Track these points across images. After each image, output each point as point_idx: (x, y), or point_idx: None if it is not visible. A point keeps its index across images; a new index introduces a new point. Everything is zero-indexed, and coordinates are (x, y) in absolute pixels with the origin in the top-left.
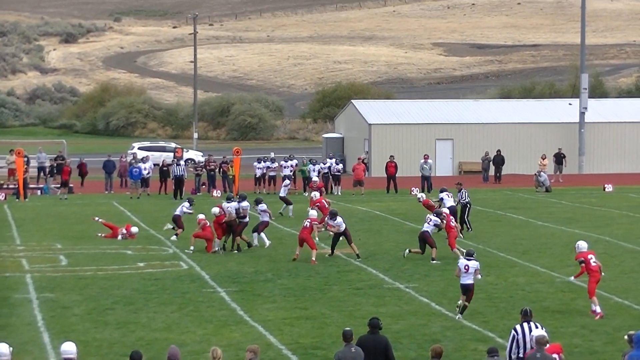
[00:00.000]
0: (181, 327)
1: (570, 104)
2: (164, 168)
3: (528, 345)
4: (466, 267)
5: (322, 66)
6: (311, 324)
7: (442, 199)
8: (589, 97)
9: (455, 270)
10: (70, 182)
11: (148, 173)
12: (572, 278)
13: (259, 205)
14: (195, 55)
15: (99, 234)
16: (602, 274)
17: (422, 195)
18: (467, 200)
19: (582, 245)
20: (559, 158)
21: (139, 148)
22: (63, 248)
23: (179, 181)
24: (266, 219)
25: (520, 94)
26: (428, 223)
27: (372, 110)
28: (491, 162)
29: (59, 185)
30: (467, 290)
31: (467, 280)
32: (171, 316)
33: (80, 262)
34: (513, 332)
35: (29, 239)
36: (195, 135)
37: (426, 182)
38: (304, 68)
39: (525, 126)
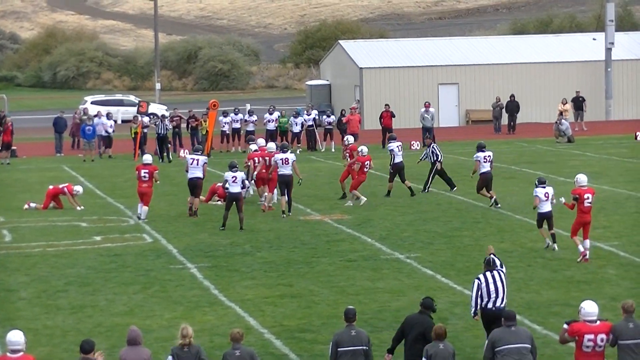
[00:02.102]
0: (146, 310)
1: (594, 39)
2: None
3: (492, 295)
4: (546, 195)
5: (303, 1)
6: (297, 303)
7: (391, 151)
8: (616, 30)
9: (535, 200)
10: (13, 143)
11: (113, 131)
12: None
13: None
14: None
15: (32, 205)
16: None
17: (348, 138)
18: (439, 157)
19: (582, 179)
20: (578, 103)
21: (92, 102)
22: (6, 221)
23: (162, 141)
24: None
25: (536, 28)
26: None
27: (363, 51)
28: (503, 110)
29: None
30: (549, 218)
31: (547, 207)
32: (134, 298)
33: (27, 237)
34: (477, 281)
35: None
36: (158, 86)
37: (428, 134)
38: (282, 4)
39: (543, 66)
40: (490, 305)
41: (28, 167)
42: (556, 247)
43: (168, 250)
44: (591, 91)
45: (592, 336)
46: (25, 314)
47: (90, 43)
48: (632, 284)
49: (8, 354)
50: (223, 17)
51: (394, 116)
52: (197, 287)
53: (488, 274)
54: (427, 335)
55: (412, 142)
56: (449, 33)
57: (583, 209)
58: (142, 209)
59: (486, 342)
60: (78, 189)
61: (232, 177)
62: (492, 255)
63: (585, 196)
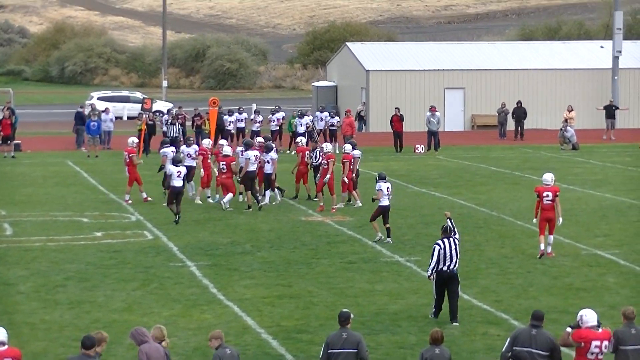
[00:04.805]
0: (144, 307)
1: (602, 47)
2: (150, 122)
3: (448, 260)
4: (388, 189)
5: (313, 2)
6: (295, 304)
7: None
8: (624, 38)
9: (378, 194)
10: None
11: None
12: (534, 220)
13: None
14: None
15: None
16: (561, 218)
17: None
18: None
19: (545, 177)
20: (610, 111)
21: (99, 98)
22: (7, 215)
23: (173, 143)
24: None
25: (544, 34)
26: None
27: (370, 54)
28: (509, 116)
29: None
30: (386, 211)
31: (386, 202)
32: (132, 294)
33: (28, 231)
34: (437, 246)
35: None
36: (165, 83)
37: (433, 138)
38: (292, 5)
39: (549, 73)
40: (445, 268)
41: (32, 162)
42: (390, 240)
43: (168, 248)
44: (598, 99)
45: (598, 342)
46: (23, 308)
47: (99, 39)
48: (632, 293)
49: None
50: (232, 16)
51: (403, 120)
52: (195, 285)
53: (445, 240)
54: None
55: (416, 146)
56: (457, 37)
57: (543, 207)
58: (226, 198)
59: (508, 339)
60: (131, 141)
61: (177, 172)
62: (449, 222)
63: (545, 194)
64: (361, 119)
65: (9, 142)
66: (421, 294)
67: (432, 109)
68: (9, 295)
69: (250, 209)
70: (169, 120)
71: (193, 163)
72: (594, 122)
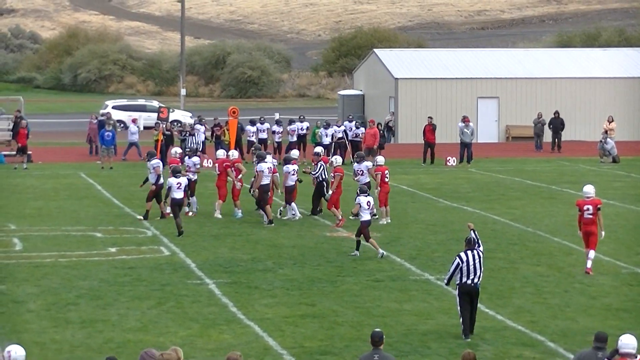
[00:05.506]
0: (159, 326)
1: None
2: (167, 132)
3: (472, 273)
4: (368, 204)
5: (339, 7)
6: (319, 324)
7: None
8: None
9: (355, 208)
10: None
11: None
12: (579, 233)
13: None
14: None
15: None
16: (603, 232)
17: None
18: (325, 176)
19: (586, 190)
20: None
21: (114, 107)
22: (17, 229)
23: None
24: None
25: (583, 41)
26: None
27: (399, 61)
28: (546, 126)
29: (14, 153)
30: (368, 225)
31: (368, 216)
32: (148, 313)
33: (38, 246)
34: (457, 259)
35: None
36: (183, 91)
37: (466, 150)
38: (317, 9)
39: (589, 82)
40: (469, 282)
41: (43, 173)
42: (358, 254)
43: (186, 264)
44: (637, 108)
45: None
46: (33, 327)
47: (114, 45)
48: None
49: None
50: (254, 21)
51: (435, 129)
52: (214, 304)
53: (469, 252)
54: None
55: (447, 158)
56: (491, 44)
57: (584, 220)
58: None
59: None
60: (174, 151)
61: (177, 184)
62: (472, 234)
63: (585, 207)
64: (389, 129)
65: (22, 153)
66: (452, 314)
67: (466, 120)
68: (18, 314)
69: (272, 224)
70: (189, 131)
71: (194, 176)
72: (635, 133)
